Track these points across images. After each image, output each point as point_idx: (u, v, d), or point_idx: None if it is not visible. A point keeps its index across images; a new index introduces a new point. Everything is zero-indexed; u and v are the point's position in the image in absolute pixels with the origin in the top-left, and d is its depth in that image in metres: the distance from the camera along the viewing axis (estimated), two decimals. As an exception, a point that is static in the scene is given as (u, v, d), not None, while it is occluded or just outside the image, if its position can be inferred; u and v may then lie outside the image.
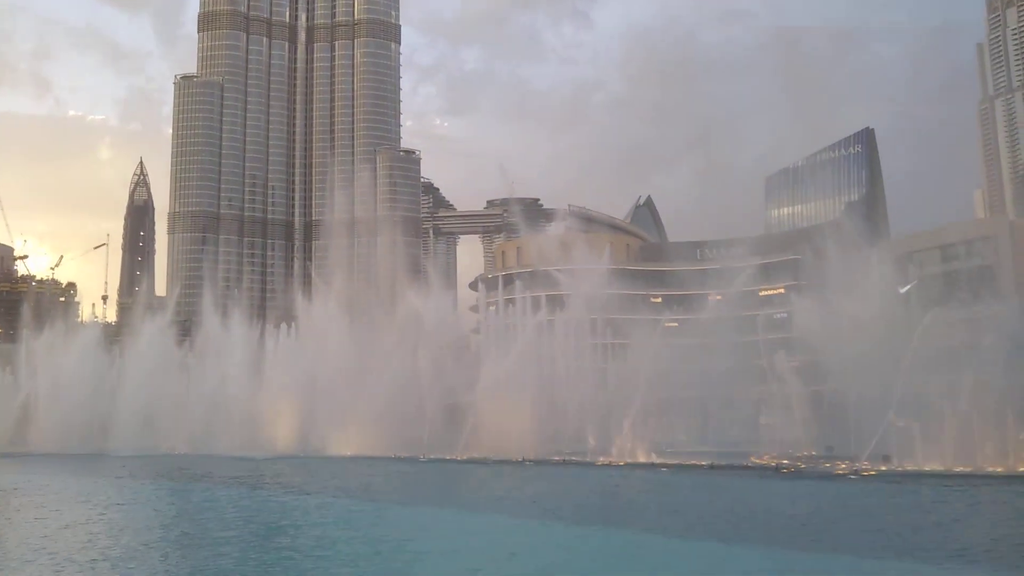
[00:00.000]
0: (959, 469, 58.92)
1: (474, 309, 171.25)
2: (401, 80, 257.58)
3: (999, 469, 58.69)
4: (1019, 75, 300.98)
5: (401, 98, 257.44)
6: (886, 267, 79.26)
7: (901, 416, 64.36)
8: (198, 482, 62.69)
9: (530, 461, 77.68)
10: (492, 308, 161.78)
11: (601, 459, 76.54)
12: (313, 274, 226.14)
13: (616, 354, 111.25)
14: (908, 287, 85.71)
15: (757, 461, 71.49)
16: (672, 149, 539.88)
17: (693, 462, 74.32)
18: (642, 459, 75.65)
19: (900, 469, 61.32)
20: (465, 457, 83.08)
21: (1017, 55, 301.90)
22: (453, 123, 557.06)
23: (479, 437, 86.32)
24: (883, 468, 62.04)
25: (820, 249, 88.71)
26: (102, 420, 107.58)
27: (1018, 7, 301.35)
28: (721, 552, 29.53)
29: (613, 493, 51.05)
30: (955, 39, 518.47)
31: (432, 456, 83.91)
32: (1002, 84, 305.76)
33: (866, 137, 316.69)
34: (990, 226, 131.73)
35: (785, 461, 69.34)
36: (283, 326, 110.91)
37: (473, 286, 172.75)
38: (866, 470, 61.25)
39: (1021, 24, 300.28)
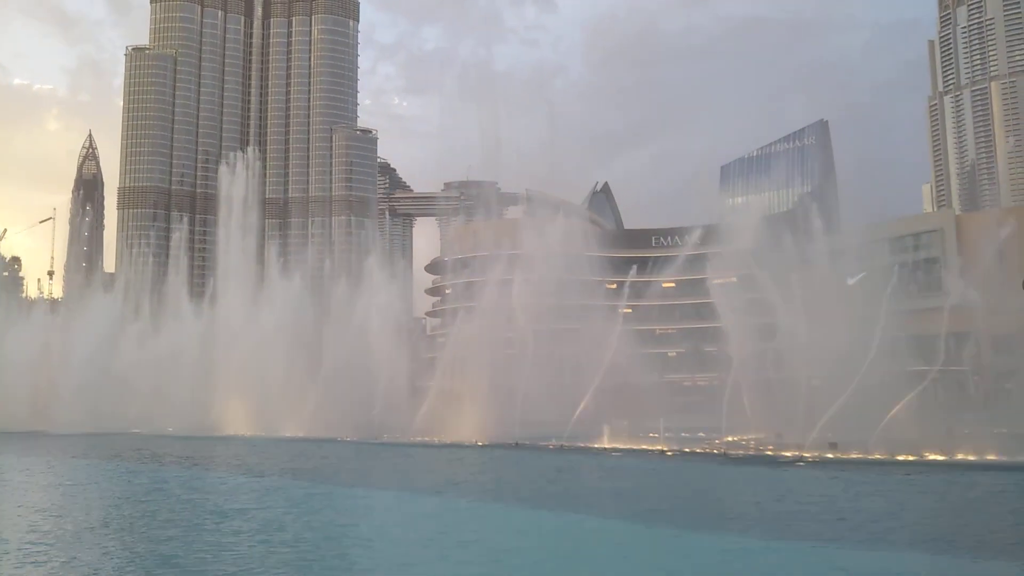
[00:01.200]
0: (901, 457, 60.34)
1: (430, 292, 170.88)
2: (360, 58, 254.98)
3: (941, 457, 60.24)
4: (968, 73, 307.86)
5: (359, 76, 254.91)
6: (836, 257, 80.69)
7: (847, 403, 65.76)
8: (147, 463, 61.55)
9: (483, 445, 77.86)
10: (448, 291, 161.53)
11: (554, 443, 76.94)
12: (266, 253, 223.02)
13: (570, 339, 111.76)
14: (857, 278, 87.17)
15: (707, 447, 72.50)
16: (631, 136, 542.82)
17: (644, 447, 75.11)
18: (595, 444, 76.14)
19: (846, 456, 62.61)
20: (418, 440, 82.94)
21: (966, 53, 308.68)
22: (412, 102, 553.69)
23: (434, 420, 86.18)
24: (829, 455, 63.28)
25: (774, 239, 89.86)
26: (44, 397, 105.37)
27: (968, 6, 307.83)
28: (681, 539, 29.74)
29: (567, 477, 51.29)
30: (909, 35, 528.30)
31: (385, 439, 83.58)
32: (951, 81, 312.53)
33: (820, 129, 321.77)
34: (937, 220, 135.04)
35: (737, 447, 70.42)
36: (233, 303, 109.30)
37: (430, 268, 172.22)
38: (813, 457, 62.48)
39: (971, 23, 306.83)
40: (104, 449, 74.25)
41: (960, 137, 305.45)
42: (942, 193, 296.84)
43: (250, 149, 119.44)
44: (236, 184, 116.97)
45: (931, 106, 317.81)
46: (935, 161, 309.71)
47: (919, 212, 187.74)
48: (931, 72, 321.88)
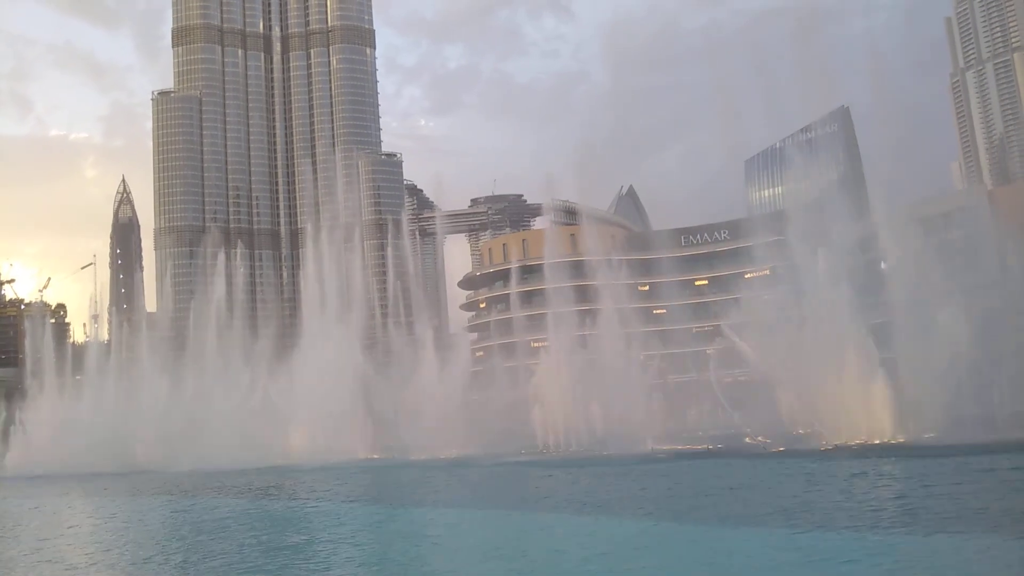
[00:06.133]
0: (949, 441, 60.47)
1: (464, 308, 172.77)
2: (385, 82, 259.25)
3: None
4: (988, 46, 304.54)
5: (384, 101, 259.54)
6: (869, 242, 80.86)
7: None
8: (202, 496, 63.39)
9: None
10: (482, 306, 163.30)
11: (598, 451, 77.84)
12: (299, 283, 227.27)
13: (604, 345, 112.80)
14: (892, 262, 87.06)
15: (749, 441, 73.29)
16: (656, 137, 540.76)
17: (690, 447, 75.84)
18: (640, 448, 76.87)
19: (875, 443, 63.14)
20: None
21: (985, 27, 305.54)
22: (438, 123, 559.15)
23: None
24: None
25: (803, 229, 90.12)
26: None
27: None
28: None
29: (638, 484, 50.94)
30: (926, 13, 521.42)
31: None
32: (972, 56, 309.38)
33: (842, 116, 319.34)
34: (969, 197, 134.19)
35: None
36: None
37: (463, 284, 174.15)
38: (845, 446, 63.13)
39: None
40: (167, 485, 76.13)
41: (986, 111, 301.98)
42: (971, 169, 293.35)
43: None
44: None
45: (953, 83, 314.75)
46: (962, 138, 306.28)
47: (949, 190, 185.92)
48: (950, 49, 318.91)
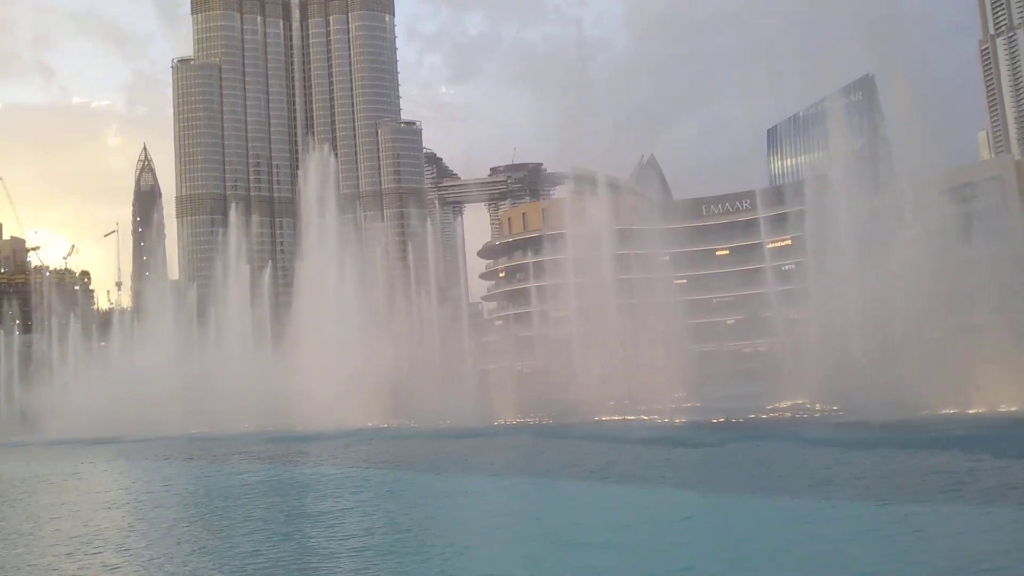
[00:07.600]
0: (974, 411, 59.92)
1: (484, 276, 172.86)
2: (405, 50, 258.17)
3: (1014, 408, 59.62)
4: (1020, 13, 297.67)
5: (404, 69, 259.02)
6: (892, 212, 79.71)
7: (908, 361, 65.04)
8: (228, 462, 64.08)
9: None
10: (501, 275, 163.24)
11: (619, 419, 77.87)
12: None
13: (625, 314, 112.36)
14: (916, 232, 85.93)
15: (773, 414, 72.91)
16: (678, 106, 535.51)
17: (711, 418, 75.56)
18: (658, 417, 76.79)
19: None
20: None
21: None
22: (459, 91, 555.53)
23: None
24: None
25: (826, 198, 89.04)
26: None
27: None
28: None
29: (661, 454, 50.50)
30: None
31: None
32: (1003, 23, 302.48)
33: (866, 84, 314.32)
34: (995, 166, 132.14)
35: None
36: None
37: (482, 254, 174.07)
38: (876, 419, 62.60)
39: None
40: (202, 451, 76.87)
41: (1016, 79, 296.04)
42: (999, 139, 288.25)
43: (325, 147, 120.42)
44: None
45: (982, 50, 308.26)
46: (990, 106, 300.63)
47: (976, 160, 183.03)
48: (980, 15, 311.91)
